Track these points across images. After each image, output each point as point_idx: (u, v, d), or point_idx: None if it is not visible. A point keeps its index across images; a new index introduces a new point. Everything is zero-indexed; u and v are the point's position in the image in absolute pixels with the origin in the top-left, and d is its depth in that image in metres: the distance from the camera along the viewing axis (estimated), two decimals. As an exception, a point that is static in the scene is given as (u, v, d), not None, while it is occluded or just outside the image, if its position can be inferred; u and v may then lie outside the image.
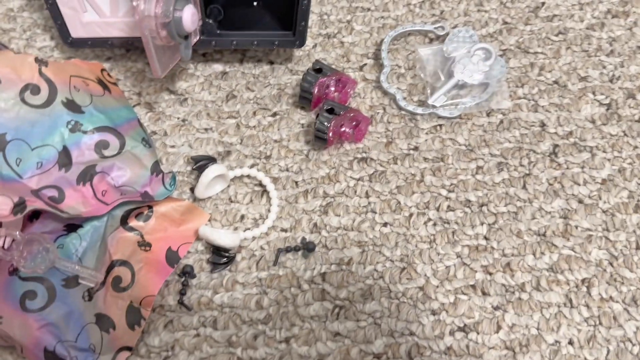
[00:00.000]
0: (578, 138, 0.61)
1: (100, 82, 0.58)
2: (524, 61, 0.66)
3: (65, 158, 0.52)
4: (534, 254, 0.55)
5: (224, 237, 0.53)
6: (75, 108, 0.54)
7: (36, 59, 0.53)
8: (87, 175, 0.53)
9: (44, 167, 0.52)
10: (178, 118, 0.64)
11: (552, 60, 0.66)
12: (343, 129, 0.60)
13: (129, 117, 0.58)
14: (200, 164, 0.57)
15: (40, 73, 0.53)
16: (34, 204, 0.48)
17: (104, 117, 0.55)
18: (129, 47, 0.68)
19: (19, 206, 0.47)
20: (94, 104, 0.55)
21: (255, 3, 0.66)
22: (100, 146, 0.54)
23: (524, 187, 0.59)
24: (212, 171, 0.56)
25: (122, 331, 0.50)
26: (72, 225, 0.54)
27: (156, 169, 0.56)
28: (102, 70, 0.60)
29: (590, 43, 0.67)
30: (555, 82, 0.65)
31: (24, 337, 0.48)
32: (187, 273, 0.54)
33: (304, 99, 0.62)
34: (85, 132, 0.53)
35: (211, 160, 0.58)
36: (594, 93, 0.64)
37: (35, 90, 0.52)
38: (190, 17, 0.53)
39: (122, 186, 0.54)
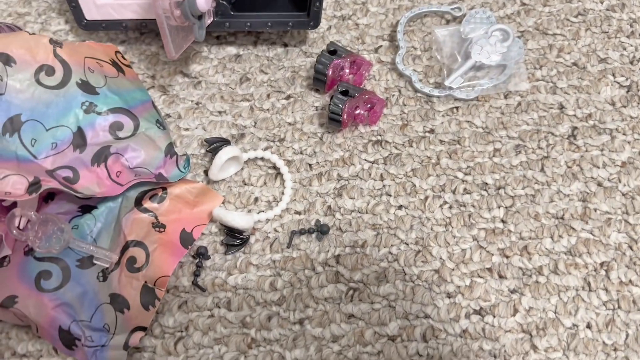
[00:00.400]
0: (597, 120, 0.60)
1: (115, 64, 0.58)
2: (542, 43, 0.65)
3: (79, 139, 0.52)
4: (551, 237, 0.54)
5: (238, 219, 0.53)
6: (90, 89, 0.54)
7: (51, 40, 0.53)
8: (101, 156, 0.53)
9: (59, 148, 0.52)
10: (192, 101, 0.63)
11: (571, 41, 0.65)
12: (358, 111, 0.59)
13: (143, 99, 0.58)
14: (214, 146, 0.57)
15: (55, 54, 0.53)
16: (48, 183, 0.48)
17: (118, 99, 0.55)
18: (143, 30, 0.68)
19: (33, 185, 0.48)
20: (108, 85, 0.55)
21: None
22: (115, 127, 0.54)
23: (542, 169, 0.58)
24: (225, 153, 0.55)
25: (136, 311, 0.50)
26: (87, 206, 0.54)
27: (170, 151, 0.56)
28: (117, 52, 0.60)
29: (610, 24, 0.66)
30: (575, 63, 0.63)
31: (39, 316, 0.49)
32: (201, 254, 0.54)
33: (318, 81, 0.61)
34: (99, 114, 0.53)
35: (225, 142, 0.58)
36: (613, 75, 0.62)
37: (50, 71, 0.52)
38: (204, -4, 0.52)
39: (137, 167, 0.54)
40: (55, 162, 0.51)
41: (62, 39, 0.68)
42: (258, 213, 0.56)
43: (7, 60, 0.51)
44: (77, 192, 0.50)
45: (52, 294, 0.49)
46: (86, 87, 0.54)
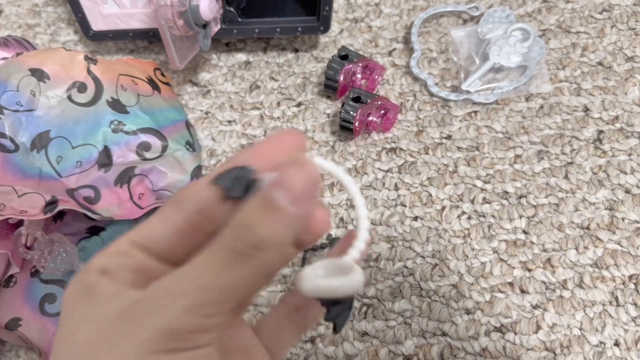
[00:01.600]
0: (625, 123, 0.56)
1: (151, 82, 0.57)
2: (565, 41, 0.62)
3: (105, 158, 0.51)
4: (576, 249, 0.51)
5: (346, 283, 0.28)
6: (120, 108, 0.53)
7: (86, 57, 0.53)
8: (125, 176, 0.52)
9: (84, 167, 0.51)
10: (201, 110, 0.62)
11: (596, 39, 0.62)
12: (370, 118, 0.57)
13: (175, 118, 0.57)
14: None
15: (89, 71, 0.52)
16: (66, 204, 0.48)
17: (149, 118, 0.53)
18: (151, 39, 0.66)
19: (50, 205, 0.47)
20: (140, 104, 0.54)
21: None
22: (142, 148, 0.52)
23: (566, 176, 0.55)
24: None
25: None
26: (95, 228, 0.53)
27: (197, 173, 0.55)
28: (156, 69, 0.59)
29: (637, 20, 0.62)
30: (600, 63, 0.60)
31: (42, 341, 0.48)
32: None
33: (329, 87, 0.59)
34: (127, 133, 0.52)
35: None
36: (642, 74, 0.59)
37: (82, 88, 0.52)
38: (207, 4, 0.51)
39: (160, 190, 0.53)
40: (78, 180, 0.50)
41: (71, 49, 0.67)
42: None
43: (42, 76, 0.51)
44: (96, 213, 0.49)
45: (55, 319, 0.48)
46: (116, 105, 0.52)
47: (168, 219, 0.25)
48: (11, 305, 0.49)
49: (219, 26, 0.59)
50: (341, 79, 0.58)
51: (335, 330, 0.30)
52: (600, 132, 0.56)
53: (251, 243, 0.22)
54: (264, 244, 0.22)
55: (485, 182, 0.55)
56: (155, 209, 0.52)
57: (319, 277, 0.29)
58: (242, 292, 0.22)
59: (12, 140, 0.49)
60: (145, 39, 0.64)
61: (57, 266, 0.49)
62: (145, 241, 0.25)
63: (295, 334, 0.31)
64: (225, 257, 0.22)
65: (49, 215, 0.46)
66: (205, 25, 0.54)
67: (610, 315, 0.49)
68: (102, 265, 0.25)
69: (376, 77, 0.60)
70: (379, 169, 0.57)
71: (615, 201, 0.53)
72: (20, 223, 0.51)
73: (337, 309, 0.29)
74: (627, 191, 0.53)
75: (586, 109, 0.58)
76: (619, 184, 0.54)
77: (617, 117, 0.57)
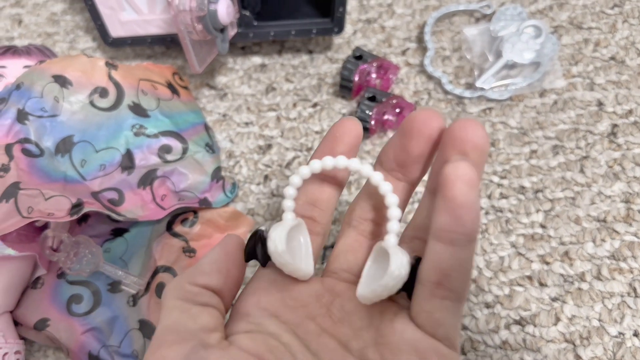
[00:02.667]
0: (639, 116, 0.57)
1: (170, 86, 0.58)
2: (577, 37, 0.62)
3: (128, 161, 0.52)
4: (593, 241, 0.52)
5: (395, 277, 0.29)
6: (141, 112, 0.54)
7: (107, 63, 0.54)
8: (148, 179, 0.53)
9: (107, 170, 0.52)
10: (219, 113, 0.63)
11: (608, 35, 0.62)
12: (386, 117, 0.57)
13: (195, 121, 0.58)
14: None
15: (110, 76, 0.53)
16: (91, 206, 0.49)
17: (169, 122, 0.54)
18: (168, 45, 0.68)
19: (76, 207, 0.48)
20: (160, 108, 0.55)
21: (292, -8, 0.65)
22: (164, 150, 0.53)
23: (581, 170, 0.55)
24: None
25: None
26: (119, 230, 0.54)
27: (217, 175, 0.56)
28: (174, 73, 0.60)
29: (650, 14, 0.63)
30: (612, 58, 0.61)
31: (70, 340, 0.49)
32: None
33: (345, 87, 0.60)
34: (149, 136, 0.53)
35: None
36: (655, 67, 0.59)
37: (104, 93, 0.53)
38: (225, 9, 0.52)
39: (182, 191, 0.54)
40: (102, 183, 0.51)
41: (91, 55, 0.69)
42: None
43: (64, 82, 0.52)
44: (120, 214, 0.50)
45: (82, 319, 0.49)
46: (137, 109, 0.54)
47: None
48: (39, 306, 0.50)
49: (235, 30, 0.60)
50: (356, 79, 0.59)
51: (409, 295, 0.29)
52: (615, 125, 0.57)
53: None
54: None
55: (502, 178, 0.56)
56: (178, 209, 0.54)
57: (369, 282, 0.31)
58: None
59: (37, 145, 0.51)
60: (163, 45, 0.66)
61: (83, 267, 0.50)
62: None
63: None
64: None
65: (75, 217, 0.47)
66: (223, 30, 0.55)
67: (629, 306, 0.49)
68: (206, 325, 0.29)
69: (390, 76, 0.60)
70: (395, 166, 0.57)
71: (630, 194, 0.53)
72: (45, 226, 0.52)
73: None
74: (643, 184, 0.54)
75: (600, 104, 0.58)
76: (634, 177, 0.54)
77: (630, 111, 0.57)
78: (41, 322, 0.49)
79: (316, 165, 0.31)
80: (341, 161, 0.30)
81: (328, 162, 0.31)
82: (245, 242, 0.32)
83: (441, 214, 0.24)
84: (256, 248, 0.31)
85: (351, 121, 0.31)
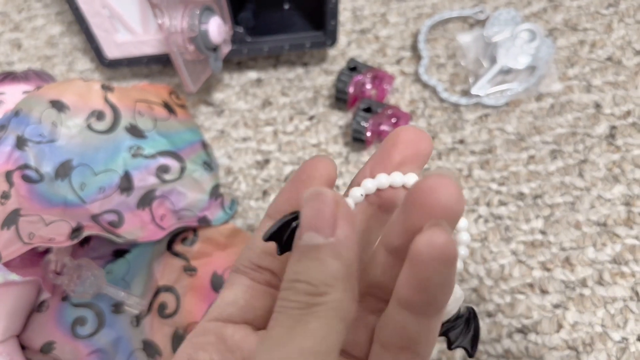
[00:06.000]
0: (637, 117, 0.56)
1: (166, 106, 0.58)
2: (572, 39, 0.62)
3: (126, 183, 0.53)
4: (594, 246, 0.52)
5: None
6: (138, 133, 0.54)
7: (103, 86, 0.54)
8: (147, 199, 0.53)
9: (106, 192, 0.52)
10: (217, 130, 0.63)
11: (604, 35, 0.62)
12: (382, 128, 0.58)
13: (192, 140, 0.58)
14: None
15: (106, 99, 0.54)
16: (91, 229, 0.49)
17: (166, 141, 0.55)
18: (165, 64, 0.68)
19: (76, 231, 0.48)
20: (157, 128, 0.55)
21: (285, 6, 0.65)
22: (161, 170, 0.54)
23: (580, 174, 0.55)
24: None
25: (167, 358, 0.50)
26: (120, 251, 0.54)
27: (215, 192, 0.56)
28: (171, 92, 0.60)
29: (645, 13, 0.62)
30: (609, 58, 0.60)
31: (75, 363, 0.49)
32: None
33: (340, 99, 0.60)
34: (146, 157, 0.54)
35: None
36: (652, 67, 0.59)
37: (101, 116, 0.53)
38: (216, 28, 0.52)
39: (182, 210, 0.54)
40: (102, 206, 0.52)
41: (88, 77, 0.70)
42: None
43: (62, 107, 0.52)
44: (120, 236, 0.51)
45: (87, 341, 0.50)
46: (134, 131, 0.54)
47: (235, 285, 0.26)
48: (44, 329, 0.51)
49: (229, 47, 0.60)
50: (351, 90, 0.59)
51: (469, 354, 0.26)
52: (613, 127, 0.56)
53: (309, 292, 0.20)
54: (323, 287, 0.20)
55: (500, 185, 0.56)
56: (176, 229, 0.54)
57: None
58: (327, 347, 0.20)
59: (37, 171, 0.51)
60: (160, 64, 0.66)
61: (86, 289, 0.50)
62: (218, 312, 0.26)
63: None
64: (293, 320, 0.20)
65: (75, 241, 0.48)
66: (215, 49, 0.55)
67: (632, 311, 0.49)
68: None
69: (385, 86, 0.61)
70: (393, 177, 0.57)
71: (631, 196, 0.53)
72: (48, 250, 0.52)
73: (455, 333, 0.26)
74: (643, 185, 0.53)
75: (597, 106, 0.58)
76: (634, 179, 0.54)
77: (629, 112, 0.57)
78: (47, 345, 0.50)
79: (370, 184, 0.26)
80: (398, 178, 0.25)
81: (383, 180, 0.25)
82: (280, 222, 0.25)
83: (411, 291, 0.21)
84: (283, 234, 0.25)
85: (323, 161, 0.26)
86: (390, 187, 0.26)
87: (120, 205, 0.53)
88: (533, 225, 0.53)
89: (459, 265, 0.24)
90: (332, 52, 0.66)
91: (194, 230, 0.55)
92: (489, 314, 0.50)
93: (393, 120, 0.58)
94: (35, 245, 0.47)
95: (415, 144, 0.26)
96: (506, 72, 0.60)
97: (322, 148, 0.60)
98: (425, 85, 0.62)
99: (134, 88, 0.57)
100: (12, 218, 0.48)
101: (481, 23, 0.65)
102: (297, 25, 0.63)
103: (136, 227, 0.52)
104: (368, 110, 0.57)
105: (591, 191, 0.54)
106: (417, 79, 0.63)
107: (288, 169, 0.59)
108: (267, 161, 0.60)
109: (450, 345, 0.25)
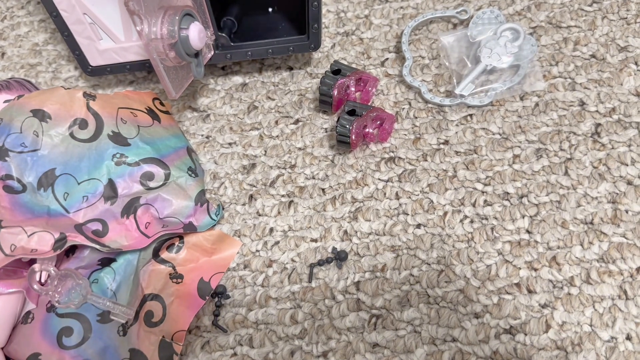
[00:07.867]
0: (622, 114, 0.56)
1: (150, 112, 0.58)
2: (556, 37, 0.62)
3: (110, 191, 0.53)
4: (581, 245, 0.51)
5: None
6: (121, 141, 0.54)
7: (84, 94, 0.54)
8: (131, 207, 0.53)
9: (90, 201, 0.52)
10: (202, 135, 0.63)
11: (587, 32, 0.61)
12: (367, 130, 0.57)
13: (177, 146, 0.58)
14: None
15: (88, 107, 0.54)
16: (75, 239, 0.49)
17: (150, 148, 0.55)
18: (148, 70, 0.68)
19: (59, 242, 0.48)
20: (140, 135, 0.55)
21: (270, 9, 0.65)
22: (145, 177, 0.54)
23: (566, 173, 0.55)
24: None
25: None
26: (106, 259, 0.54)
27: (201, 198, 0.55)
28: (155, 99, 0.60)
29: (628, 9, 0.62)
30: (593, 55, 0.60)
31: (61, 374, 0.49)
32: (220, 294, 0.54)
33: (324, 102, 0.60)
34: (130, 164, 0.53)
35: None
36: (636, 63, 0.59)
37: (83, 124, 0.53)
38: (197, 34, 0.52)
39: (167, 217, 0.54)
40: (86, 215, 0.52)
41: (73, 85, 0.69)
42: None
43: (43, 116, 0.52)
44: (105, 245, 0.50)
45: (73, 351, 0.50)
46: (117, 138, 0.54)
47: None
48: (30, 340, 0.50)
49: (212, 52, 0.60)
50: (335, 93, 0.59)
51: None
52: (598, 125, 0.56)
53: None
54: None
55: (486, 185, 0.56)
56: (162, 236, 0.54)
57: None
58: None
59: (19, 181, 0.51)
60: (143, 70, 0.66)
61: (72, 300, 0.50)
62: None
63: None
64: None
65: (58, 252, 0.48)
66: (197, 54, 0.55)
67: (620, 310, 0.48)
68: None
69: (370, 88, 0.60)
70: (379, 179, 0.57)
71: (617, 194, 0.53)
72: (33, 260, 0.52)
73: None
74: (629, 182, 0.53)
75: (582, 103, 0.58)
76: (620, 176, 0.54)
77: (614, 109, 0.57)
78: (33, 357, 0.50)
79: None
80: None
81: None
82: None
83: None
84: None
85: None
86: None
87: (105, 214, 0.52)
88: (519, 224, 0.53)
89: None
90: (316, 55, 0.66)
91: (180, 237, 0.55)
92: (477, 315, 0.50)
93: (378, 122, 0.58)
94: (18, 257, 0.47)
95: None
96: (490, 71, 0.60)
97: (307, 151, 0.60)
98: (409, 87, 0.62)
99: (116, 95, 0.57)
100: (-6, 230, 0.48)
101: (464, 23, 0.65)
102: (282, 29, 0.63)
103: (121, 236, 0.52)
104: (352, 112, 0.57)
105: (577, 189, 0.54)
106: (401, 80, 0.62)
107: (274, 173, 0.59)
108: (253, 165, 0.60)
109: None
